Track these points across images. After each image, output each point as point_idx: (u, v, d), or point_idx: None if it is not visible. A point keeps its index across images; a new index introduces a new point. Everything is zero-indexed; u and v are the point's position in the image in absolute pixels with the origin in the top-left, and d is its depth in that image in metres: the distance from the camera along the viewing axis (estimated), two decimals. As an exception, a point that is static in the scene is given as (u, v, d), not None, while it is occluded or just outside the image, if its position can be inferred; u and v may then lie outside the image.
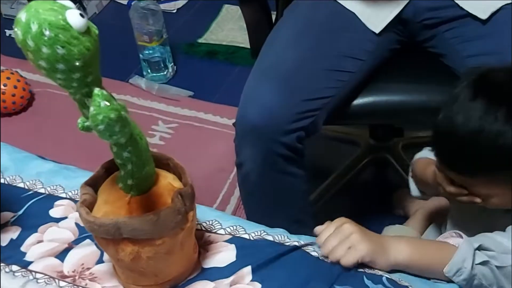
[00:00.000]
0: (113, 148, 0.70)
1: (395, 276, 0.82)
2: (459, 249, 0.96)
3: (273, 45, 1.28)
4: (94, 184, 0.79)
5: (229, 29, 2.32)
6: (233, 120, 1.23)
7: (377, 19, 1.26)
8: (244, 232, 0.86)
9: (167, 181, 0.77)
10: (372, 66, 1.28)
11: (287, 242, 0.85)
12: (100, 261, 0.85)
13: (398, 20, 1.25)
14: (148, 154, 0.73)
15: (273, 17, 1.46)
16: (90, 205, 0.77)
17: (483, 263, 0.95)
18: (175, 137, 1.94)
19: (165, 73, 2.11)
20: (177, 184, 0.78)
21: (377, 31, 1.25)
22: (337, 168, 1.76)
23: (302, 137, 1.19)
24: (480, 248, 0.97)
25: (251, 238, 0.85)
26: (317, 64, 1.22)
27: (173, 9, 2.41)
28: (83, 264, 0.84)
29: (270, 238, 0.85)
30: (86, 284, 0.81)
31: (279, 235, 0.86)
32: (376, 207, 1.68)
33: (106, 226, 0.73)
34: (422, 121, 1.33)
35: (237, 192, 1.73)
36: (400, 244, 0.93)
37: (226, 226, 0.87)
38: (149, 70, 2.10)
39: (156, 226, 0.73)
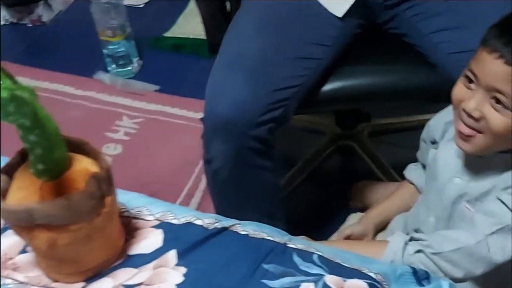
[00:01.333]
0: (19, 131, 0.68)
1: (328, 254, 0.80)
2: (389, 243, 0.97)
3: (236, 36, 1.25)
4: (10, 171, 0.76)
5: (196, 22, 2.26)
6: (200, 114, 1.20)
7: (338, 3, 1.24)
8: (173, 217, 0.83)
9: (83, 166, 0.74)
10: (338, 51, 1.27)
11: (215, 224, 0.82)
12: (23, 251, 0.82)
13: (359, 3, 1.23)
14: (58, 138, 0.71)
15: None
16: (4, 193, 0.74)
17: (418, 252, 0.95)
18: (141, 132, 1.91)
19: (130, 68, 2.08)
20: (95, 169, 0.76)
21: (340, 15, 1.24)
22: (303, 158, 1.73)
23: (273, 128, 1.16)
24: (412, 239, 0.97)
25: (180, 223, 0.82)
26: (283, 53, 1.20)
27: (141, 4, 2.38)
28: (6, 254, 0.81)
29: (199, 222, 0.82)
30: (7, 275, 0.79)
31: (209, 219, 0.83)
32: (341, 195, 1.65)
33: (17, 212, 0.70)
34: (391, 101, 1.34)
35: (201, 186, 1.71)
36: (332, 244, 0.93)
37: (156, 212, 0.84)
38: (113, 65, 2.07)
39: (69, 211, 0.70)
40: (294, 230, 1.64)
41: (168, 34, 2.25)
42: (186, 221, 0.83)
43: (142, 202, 0.86)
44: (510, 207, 0.97)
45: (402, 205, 1.29)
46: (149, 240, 0.80)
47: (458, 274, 0.98)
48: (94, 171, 0.74)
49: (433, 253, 0.97)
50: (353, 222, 1.37)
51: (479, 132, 0.95)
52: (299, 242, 0.81)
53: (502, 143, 0.97)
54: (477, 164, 1.04)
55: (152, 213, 0.84)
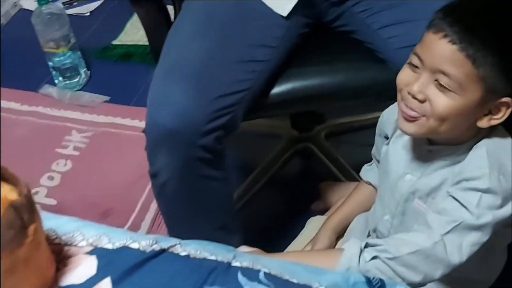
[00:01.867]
0: None
1: (276, 269, 0.75)
2: (344, 251, 0.93)
3: (176, 41, 1.19)
4: None
5: (145, 29, 2.24)
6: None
7: (283, 2, 1.19)
8: (107, 241, 0.77)
9: (2, 194, 0.68)
10: (285, 52, 1.22)
11: (153, 246, 0.76)
12: None
13: (304, 1, 1.19)
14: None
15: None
16: None
17: (374, 258, 0.92)
18: (91, 146, 1.84)
19: (77, 79, 2.01)
20: (14, 196, 0.69)
21: (284, 14, 1.20)
22: (261, 163, 1.68)
23: (221, 136, 1.11)
24: (367, 245, 0.94)
25: (115, 247, 0.76)
26: (226, 57, 1.15)
27: (86, 12, 2.31)
28: None
29: (135, 245, 0.76)
30: None
31: (147, 240, 0.77)
32: (302, 199, 1.62)
33: None
34: (343, 101, 1.31)
35: (157, 198, 1.65)
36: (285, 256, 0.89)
37: (89, 236, 0.78)
38: (60, 78, 2.00)
39: (-15, 244, 0.64)
40: (253, 239, 1.60)
41: (116, 42, 2.19)
42: (121, 245, 0.77)
43: (75, 226, 0.80)
44: (463, 202, 0.93)
45: (361, 207, 1.24)
46: (82, 268, 0.74)
47: (416, 278, 0.94)
48: (13, 199, 0.68)
49: (389, 258, 0.93)
50: (313, 226, 1.31)
51: (423, 115, 0.93)
52: (245, 259, 0.76)
53: (447, 129, 0.94)
54: (426, 158, 1.01)
55: (85, 237, 0.78)
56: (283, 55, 1.22)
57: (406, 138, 1.07)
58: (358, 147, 1.79)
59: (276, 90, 1.22)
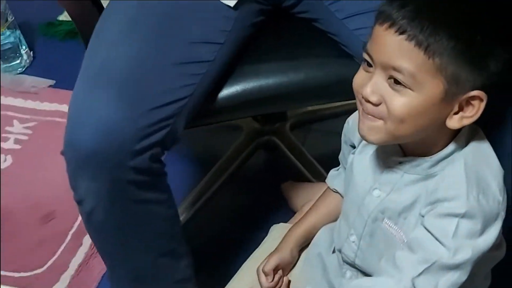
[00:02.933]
0: None
1: None
2: None
3: (101, 41, 1.02)
4: None
5: (94, 1, 2.05)
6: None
7: None
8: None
9: None
10: (235, 47, 1.07)
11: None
12: None
13: None
14: None
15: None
16: None
17: None
18: (34, 138, 1.68)
19: (19, 61, 1.85)
20: None
21: (232, 4, 1.03)
22: (220, 158, 1.52)
23: (157, 154, 0.96)
24: None
25: None
26: (162, 59, 0.98)
27: (25, -15, 2.11)
28: None
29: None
30: None
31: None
32: (266, 198, 1.50)
33: None
34: (306, 101, 1.20)
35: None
36: None
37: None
38: (-1, 61, 1.84)
39: None
40: (211, 246, 1.48)
41: (61, 17, 1.99)
42: None
43: None
44: (437, 234, 0.80)
45: (327, 218, 1.10)
46: None
47: None
48: None
49: None
50: (276, 235, 1.16)
51: (381, 119, 0.81)
52: None
53: (409, 131, 0.82)
54: (396, 171, 0.88)
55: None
56: (232, 51, 1.05)
57: (374, 148, 0.93)
58: (328, 136, 1.66)
59: (225, 93, 1.06)
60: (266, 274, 1.06)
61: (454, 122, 0.81)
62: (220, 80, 1.06)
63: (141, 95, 0.95)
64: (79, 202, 0.98)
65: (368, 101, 0.82)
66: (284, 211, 1.45)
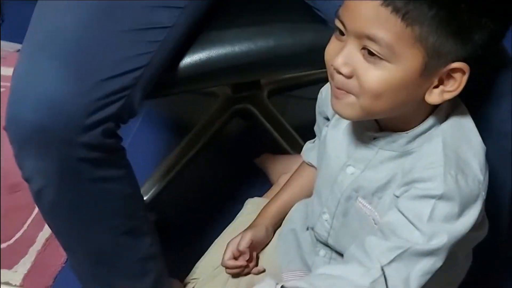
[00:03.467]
0: None
1: None
2: None
3: (46, 8, 0.93)
4: None
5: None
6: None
7: None
8: None
9: None
10: (197, 12, 0.99)
11: None
12: None
13: None
14: None
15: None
16: None
17: None
18: (2, 106, 1.58)
19: (-17, 23, 1.75)
20: None
21: None
22: (195, 126, 1.45)
23: (111, 128, 0.89)
24: None
25: None
26: (115, 25, 0.90)
27: None
28: None
29: None
30: None
31: None
32: (242, 169, 1.45)
33: None
34: (276, 70, 1.12)
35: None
36: None
37: None
38: (-38, 23, 1.74)
39: None
40: (185, 219, 1.43)
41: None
42: None
43: None
44: (411, 217, 0.75)
45: (302, 193, 1.06)
46: None
47: None
48: None
49: None
50: (250, 209, 1.13)
51: (352, 93, 0.76)
52: None
53: (385, 107, 0.76)
54: (371, 147, 0.84)
55: None
56: (194, 16, 0.97)
57: (349, 121, 0.88)
58: (310, 104, 1.58)
59: (188, 61, 0.99)
60: (241, 253, 1.02)
61: (434, 97, 0.76)
62: (182, 47, 0.98)
63: (91, 65, 0.87)
64: (27, 181, 0.91)
65: (340, 73, 0.75)
66: (260, 182, 1.40)
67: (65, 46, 0.87)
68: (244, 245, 1.02)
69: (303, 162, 1.06)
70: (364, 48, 0.74)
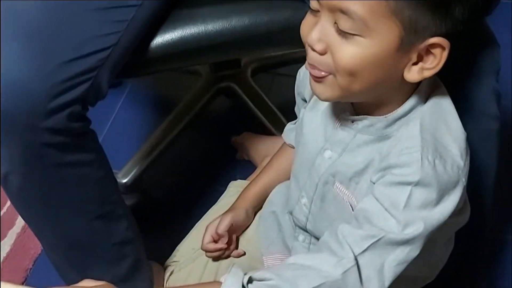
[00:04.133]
0: None
1: None
2: None
3: None
4: None
5: None
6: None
7: None
8: None
9: None
10: None
11: None
12: None
13: None
14: None
15: None
16: None
17: None
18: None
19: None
20: None
21: None
22: (177, 105, 1.41)
23: (77, 112, 0.85)
24: (251, 280, 0.73)
25: None
26: (79, 6, 0.87)
27: None
28: None
29: None
30: None
31: None
32: (226, 149, 1.40)
33: None
34: (249, 51, 1.08)
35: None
36: None
37: None
38: None
39: None
40: (167, 199, 1.40)
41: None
42: None
43: None
44: (386, 205, 0.72)
45: (283, 175, 1.04)
46: None
47: None
48: None
49: None
50: (233, 191, 1.11)
51: (329, 72, 0.72)
52: None
53: (363, 86, 0.72)
54: (349, 130, 0.80)
55: None
56: (165, -8, 0.93)
57: (326, 104, 0.84)
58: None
59: (159, 41, 0.94)
60: (220, 236, 1.00)
61: (413, 74, 0.72)
62: (153, 26, 0.94)
63: (54, 46, 0.83)
64: None
65: (314, 50, 0.72)
66: (244, 164, 1.37)
67: (27, 26, 0.83)
68: (223, 228, 1.00)
69: (284, 143, 1.03)
70: (336, 22, 0.70)
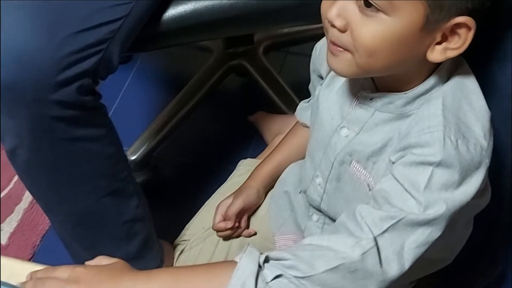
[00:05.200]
0: None
1: None
2: (235, 271, 0.69)
3: None
4: None
5: None
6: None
7: None
8: None
9: None
10: None
11: None
12: None
13: None
14: None
15: None
16: None
17: (278, 277, 0.69)
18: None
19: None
20: None
21: None
22: (188, 82, 1.39)
23: (87, 85, 0.84)
24: (268, 259, 0.70)
25: None
26: None
27: None
28: None
29: None
30: None
31: None
32: (236, 127, 1.39)
33: None
34: (264, 26, 1.07)
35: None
36: (146, 284, 0.69)
37: None
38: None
39: None
40: (178, 176, 1.38)
41: None
42: None
43: None
44: (407, 185, 0.69)
45: (295, 155, 1.02)
46: None
47: None
48: None
49: (299, 277, 0.69)
50: (243, 170, 1.10)
51: (347, 49, 0.71)
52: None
53: (384, 65, 0.71)
54: (367, 108, 0.77)
55: None
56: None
57: (343, 80, 0.82)
58: (308, 60, 1.54)
59: (171, 13, 0.93)
60: (228, 218, 0.98)
61: (436, 54, 0.70)
62: (164, -1, 0.92)
63: (62, 16, 0.81)
64: (1, 140, 0.87)
65: (334, 26, 0.69)
66: (255, 142, 1.36)
67: None
68: (234, 211, 0.99)
69: (297, 122, 1.01)
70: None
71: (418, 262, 0.73)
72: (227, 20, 0.94)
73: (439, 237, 0.71)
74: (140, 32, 0.89)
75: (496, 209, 0.90)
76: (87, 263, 0.71)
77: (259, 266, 0.69)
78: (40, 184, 0.93)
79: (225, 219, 0.99)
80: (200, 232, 1.03)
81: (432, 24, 0.67)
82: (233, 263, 0.70)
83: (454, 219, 0.72)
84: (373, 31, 0.68)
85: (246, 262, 0.69)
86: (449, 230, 0.72)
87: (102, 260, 0.71)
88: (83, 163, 0.91)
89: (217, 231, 1.00)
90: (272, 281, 0.68)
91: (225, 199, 1.01)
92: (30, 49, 0.79)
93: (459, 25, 0.68)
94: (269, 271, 0.69)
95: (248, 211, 1.02)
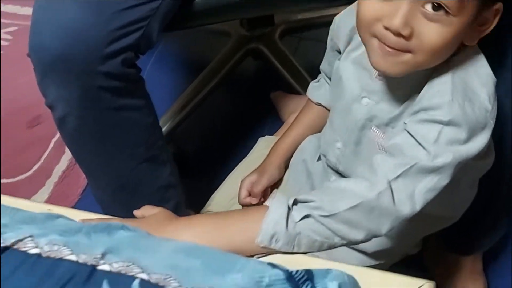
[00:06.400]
0: None
1: (159, 273, 0.58)
2: (267, 213, 0.76)
3: None
4: None
5: None
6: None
7: None
8: None
9: None
10: None
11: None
12: None
13: None
14: None
15: None
16: None
17: (305, 217, 0.77)
18: (15, 43, 1.62)
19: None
20: None
21: None
22: (207, 65, 1.46)
23: (130, 58, 0.91)
24: (296, 202, 0.78)
25: None
26: None
27: None
28: None
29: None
30: None
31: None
32: (254, 107, 1.46)
33: None
34: (291, 4, 1.12)
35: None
36: (187, 230, 0.76)
37: None
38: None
39: None
40: (199, 155, 1.44)
41: None
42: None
43: None
44: (418, 138, 0.76)
45: (310, 131, 1.07)
46: None
47: (358, 236, 0.78)
48: None
49: (324, 216, 0.76)
50: (262, 147, 1.15)
51: (409, 51, 0.74)
52: (120, 257, 0.57)
53: (438, 61, 0.76)
54: (386, 80, 0.83)
55: None
56: None
57: (358, 53, 0.88)
58: (321, 46, 1.58)
59: (205, -6, 0.99)
60: (254, 195, 1.03)
61: (473, 39, 0.76)
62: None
63: None
64: (50, 108, 0.94)
65: (399, 35, 0.73)
66: (271, 121, 1.42)
67: None
68: (260, 188, 1.03)
69: (308, 100, 1.07)
70: (427, 3, 0.71)
71: (426, 219, 0.81)
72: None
73: (444, 194, 0.77)
74: (176, 11, 0.96)
75: (499, 173, 0.97)
76: (135, 212, 0.79)
77: (288, 208, 0.76)
78: (85, 150, 1.00)
79: (250, 194, 1.04)
80: (224, 202, 1.08)
81: (478, 15, 0.73)
82: (265, 207, 0.78)
83: (458, 177, 0.79)
84: (442, 33, 0.72)
85: (277, 205, 0.76)
86: (452, 187, 0.79)
87: (147, 209, 0.79)
88: (125, 131, 0.98)
89: (242, 205, 1.04)
90: (301, 221, 0.76)
91: (249, 175, 1.05)
92: (81, 25, 0.87)
93: (493, 11, 0.74)
94: (297, 213, 0.76)
95: (272, 186, 1.07)
